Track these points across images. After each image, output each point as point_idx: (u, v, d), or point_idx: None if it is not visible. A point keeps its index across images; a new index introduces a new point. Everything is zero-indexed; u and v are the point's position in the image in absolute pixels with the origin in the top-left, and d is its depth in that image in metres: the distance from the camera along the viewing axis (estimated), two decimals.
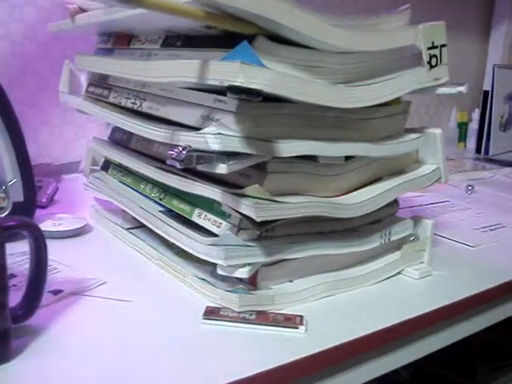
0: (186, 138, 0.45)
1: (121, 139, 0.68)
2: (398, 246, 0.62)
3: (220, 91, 0.46)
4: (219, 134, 0.42)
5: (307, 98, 0.45)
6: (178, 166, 0.40)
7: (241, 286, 0.51)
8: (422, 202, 0.93)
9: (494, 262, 0.69)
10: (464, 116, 1.58)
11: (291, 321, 0.50)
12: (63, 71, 0.69)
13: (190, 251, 0.53)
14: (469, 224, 0.83)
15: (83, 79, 0.69)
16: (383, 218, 0.61)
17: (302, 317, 0.50)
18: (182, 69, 0.46)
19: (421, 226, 0.64)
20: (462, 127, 1.57)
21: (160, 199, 0.60)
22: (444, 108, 1.58)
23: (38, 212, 0.75)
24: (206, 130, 0.43)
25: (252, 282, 0.53)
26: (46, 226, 0.67)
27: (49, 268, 0.58)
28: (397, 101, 0.57)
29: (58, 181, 0.87)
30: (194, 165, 0.41)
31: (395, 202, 0.63)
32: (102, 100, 0.65)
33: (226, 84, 0.42)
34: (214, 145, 0.43)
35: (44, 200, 0.78)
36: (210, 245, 0.50)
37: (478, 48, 1.66)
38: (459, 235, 0.76)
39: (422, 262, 0.64)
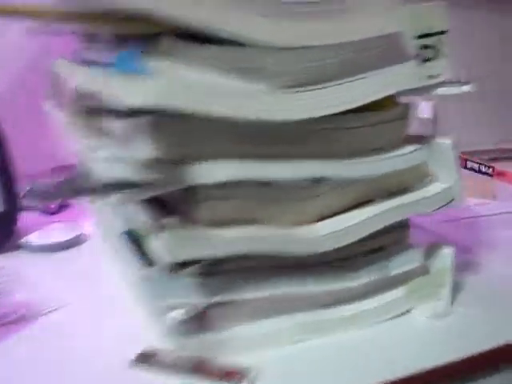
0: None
1: None
2: (404, 279, 0.51)
3: None
4: (106, 158, 0.35)
5: (221, 112, 0.36)
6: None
7: (182, 327, 0.44)
8: (483, 213, 0.78)
9: None
10: None
11: (233, 375, 0.42)
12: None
13: (127, 281, 0.46)
14: None
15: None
16: (385, 246, 0.50)
17: (247, 371, 0.42)
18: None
19: (438, 255, 0.52)
20: None
21: None
22: None
23: (44, 219, 0.73)
24: (95, 155, 0.36)
25: (202, 323, 0.45)
26: (31, 238, 0.64)
27: (10, 288, 0.56)
28: (390, 104, 0.46)
29: None
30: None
31: (403, 227, 0.51)
32: None
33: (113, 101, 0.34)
34: (103, 172, 0.35)
35: (53, 206, 0.76)
36: (140, 278, 0.43)
37: None
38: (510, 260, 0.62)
39: (439, 300, 0.52)
